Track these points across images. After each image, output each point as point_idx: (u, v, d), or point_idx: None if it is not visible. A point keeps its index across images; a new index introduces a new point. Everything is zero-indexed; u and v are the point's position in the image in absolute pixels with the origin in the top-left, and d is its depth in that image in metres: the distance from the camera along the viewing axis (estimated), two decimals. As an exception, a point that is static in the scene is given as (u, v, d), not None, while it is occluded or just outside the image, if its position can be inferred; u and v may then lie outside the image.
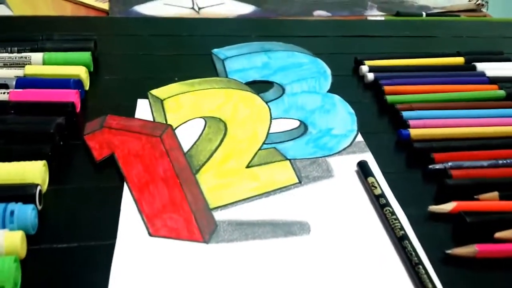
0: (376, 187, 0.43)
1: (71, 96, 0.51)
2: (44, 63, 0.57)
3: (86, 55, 0.58)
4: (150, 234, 0.39)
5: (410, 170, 0.48)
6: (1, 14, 0.73)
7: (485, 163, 0.46)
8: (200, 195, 0.42)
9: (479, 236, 0.39)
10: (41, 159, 0.42)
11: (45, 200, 0.41)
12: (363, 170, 0.45)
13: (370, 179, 0.44)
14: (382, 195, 0.42)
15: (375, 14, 0.83)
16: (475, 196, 0.43)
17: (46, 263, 0.36)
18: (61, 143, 0.46)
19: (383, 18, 0.81)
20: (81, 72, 0.55)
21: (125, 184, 0.43)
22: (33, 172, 0.41)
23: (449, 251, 0.38)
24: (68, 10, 0.78)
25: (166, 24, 0.73)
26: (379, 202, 0.42)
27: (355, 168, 0.47)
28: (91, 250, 0.37)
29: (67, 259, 0.37)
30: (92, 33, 0.64)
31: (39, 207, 0.40)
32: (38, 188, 0.40)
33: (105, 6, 0.79)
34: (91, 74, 0.58)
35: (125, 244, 0.38)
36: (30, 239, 0.37)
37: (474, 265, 0.38)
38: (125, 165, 0.45)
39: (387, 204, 0.41)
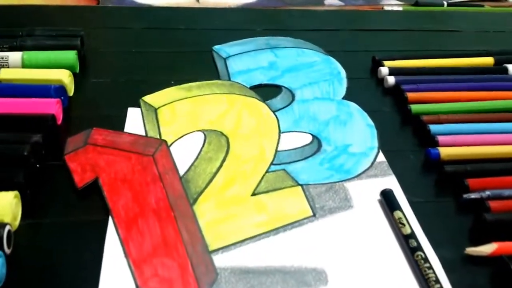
0: (404, 225, 0.36)
1: (51, 106, 0.44)
2: (24, 63, 0.50)
3: (71, 55, 0.52)
4: (137, 287, 0.33)
5: (441, 198, 0.41)
6: (-20, 3, 0.66)
7: (528, 192, 0.40)
8: (198, 233, 0.36)
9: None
10: (13, 189, 0.36)
11: (17, 238, 0.35)
12: (388, 201, 0.39)
13: (397, 214, 0.37)
14: (412, 235, 0.36)
15: (392, 4, 0.75)
16: (519, 234, 0.37)
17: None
18: (37, 166, 0.40)
19: (400, 8, 0.74)
20: (64, 77, 0.48)
21: (110, 218, 0.37)
22: (2, 207, 0.34)
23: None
24: (57, -2, 0.71)
25: (162, 15, 0.66)
26: (408, 245, 0.35)
27: (378, 196, 0.40)
28: (67, 308, 0.31)
29: (38, 319, 0.31)
30: (79, 28, 0.57)
31: (8, 251, 0.34)
32: (7, 228, 0.33)
33: (96, -7, 0.72)
34: (76, 76, 0.51)
35: (107, 301, 0.32)
36: (-4, 292, 0.31)
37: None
38: (110, 193, 0.38)
39: (419, 247, 0.35)
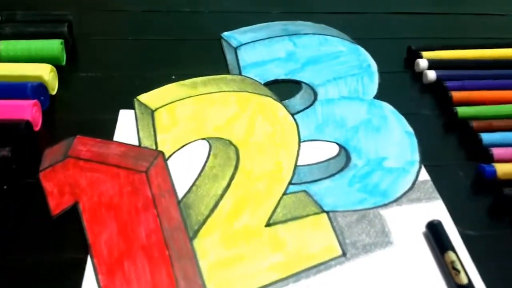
0: (459, 272, 0.29)
1: (26, 111, 0.37)
2: (1, 56, 0.43)
3: (56, 45, 0.44)
4: None
5: (499, 230, 0.34)
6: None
7: None
8: (198, 279, 0.29)
9: None
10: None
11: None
12: (437, 238, 0.31)
13: (450, 257, 0.30)
14: (470, 285, 0.28)
15: (425, -19, 0.66)
16: None
17: None
18: (5, 187, 0.33)
19: (436, -13, 0.65)
20: (45, 73, 0.41)
21: (89, 257, 0.30)
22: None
23: None
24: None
25: (164, -5, 0.58)
26: (465, 299, 0.28)
27: (423, 228, 0.33)
28: None
29: None
30: (67, 12, 0.49)
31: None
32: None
33: (93, -31, 0.64)
34: (62, 70, 0.44)
35: None
36: None
37: None
38: (92, 223, 0.31)
39: (479, 304, 0.27)
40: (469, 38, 0.54)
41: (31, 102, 0.38)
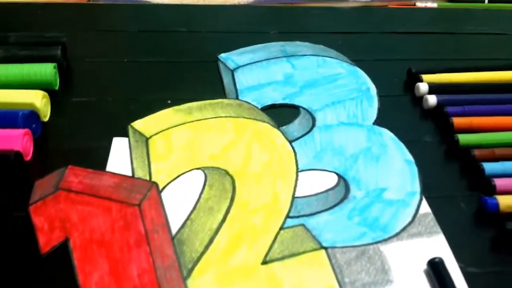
0: (462, 315, 0.28)
1: (17, 141, 0.36)
2: (-9, 80, 0.42)
3: (49, 69, 0.43)
4: None
5: (503, 266, 0.32)
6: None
7: None
8: (192, 323, 0.28)
9: None
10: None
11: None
12: (440, 278, 0.30)
13: (452, 299, 0.29)
14: (473, 331, 0.27)
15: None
16: None
17: None
18: (-8, 222, 0.32)
19: (435, 5, 0.65)
20: (37, 100, 0.40)
21: (79, 300, 0.29)
22: None
23: None
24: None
25: (162, 15, 0.57)
26: None
27: (424, 265, 0.32)
28: None
29: None
30: (61, 34, 0.48)
31: None
32: None
33: (89, -14, 0.63)
34: (55, 95, 0.43)
35: None
36: None
37: None
38: (82, 263, 0.30)
39: None
40: (471, 59, 0.53)
41: (22, 131, 0.37)
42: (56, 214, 0.33)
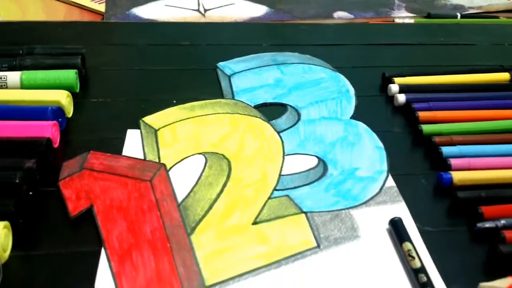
0: (414, 258, 0.34)
1: (47, 130, 0.43)
2: (22, 83, 0.49)
3: (71, 75, 0.50)
4: (128, 327, 0.31)
5: (453, 227, 0.39)
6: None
7: (548, 221, 0.38)
8: (195, 266, 0.34)
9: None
10: (3, 219, 0.34)
11: (6, 271, 0.33)
12: (397, 232, 0.37)
13: (406, 246, 0.35)
14: (422, 269, 0.34)
15: (403, 16, 0.73)
16: (538, 268, 0.34)
17: None
18: (30, 193, 0.38)
19: (412, 21, 0.72)
20: (62, 98, 0.47)
21: (103, 249, 0.35)
22: (-11, 240, 0.33)
23: None
24: (61, 11, 0.70)
25: (166, 31, 0.64)
26: (418, 279, 0.33)
27: (387, 225, 0.38)
28: None
29: None
30: (80, 46, 0.55)
31: (-6, 286, 0.32)
32: (-7, 262, 0.32)
33: (101, 7, 0.71)
34: (76, 96, 0.50)
35: None
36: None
37: None
38: (105, 222, 0.37)
39: (429, 283, 0.33)
40: (441, 66, 0.60)
41: (51, 122, 0.43)
42: (81, 188, 0.39)
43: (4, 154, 0.40)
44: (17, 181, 0.37)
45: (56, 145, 0.44)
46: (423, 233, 0.38)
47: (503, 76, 0.56)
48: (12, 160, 0.39)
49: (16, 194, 0.37)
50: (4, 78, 0.49)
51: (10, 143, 0.41)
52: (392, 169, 0.44)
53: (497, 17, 0.75)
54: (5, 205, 0.36)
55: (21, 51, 0.53)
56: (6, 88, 0.49)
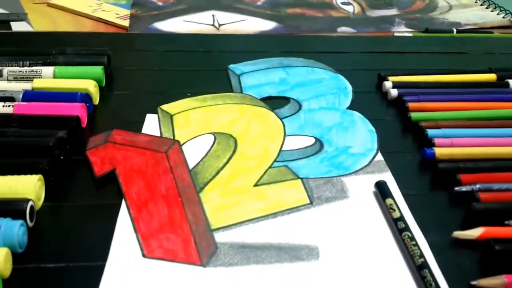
0: (394, 210, 0.39)
1: (77, 110, 0.49)
2: (55, 77, 0.55)
3: (98, 70, 0.57)
4: (144, 255, 0.36)
5: (434, 192, 0.44)
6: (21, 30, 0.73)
7: (518, 186, 0.42)
8: (202, 215, 0.40)
9: (509, 267, 0.35)
10: (38, 174, 0.40)
11: (39, 217, 0.39)
12: (381, 190, 0.41)
13: (388, 201, 0.40)
14: (401, 218, 0.38)
15: (402, 31, 0.79)
16: (506, 222, 0.39)
17: (30, 284, 0.34)
18: (62, 157, 0.44)
19: (411, 35, 0.78)
20: (90, 86, 0.53)
21: (123, 201, 0.40)
22: (27, 186, 0.39)
23: (474, 282, 0.34)
24: (88, 27, 0.77)
25: (184, 40, 0.71)
26: (397, 226, 0.38)
27: (373, 189, 0.43)
28: (79, 271, 0.35)
29: (53, 281, 0.34)
30: (106, 48, 0.62)
31: (30, 224, 0.37)
32: (30, 203, 0.37)
33: (126, 23, 0.78)
34: (102, 89, 0.56)
35: (115, 266, 0.35)
36: (17, 257, 0.35)
37: (503, 300, 0.34)
38: (125, 181, 0.42)
39: (406, 228, 0.37)
40: (434, 69, 0.65)
41: (80, 104, 0.50)
42: (105, 155, 0.45)
43: (41, 127, 0.46)
44: (50, 144, 0.43)
45: (84, 125, 0.50)
46: (405, 196, 0.42)
47: (490, 76, 0.61)
48: (47, 131, 0.45)
49: (49, 155, 0.42)
50: (38, 71, 0.55)
51: (45, 118, 0.47)
52: (382, 148, 0.48)
53: (492, 32, 0.81)
54: (39, 163, 0.41)
55: (54, 51, 0.60)
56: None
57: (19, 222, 0.35)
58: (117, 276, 0.34)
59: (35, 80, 0.53)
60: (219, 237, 0.38)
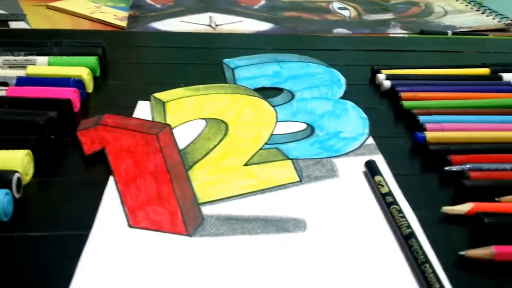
0: (383, 186, 0.39)
1: (69, 93, 0.49)
2: (49, 65, 0.56)
3: (92, 59, 0.57)
4: (129, 225, 0.36)
5: (424, 173, 0.43)
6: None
7: (507, 166, 0.42)
8: (190, 190, 0.39)
9: (498, 240, 0.35)
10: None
11: (27, 191, 0.39)
12: (370, 168, 0.41)
13: (377, 178, 0.40)
14: (389, 193, 0.38)
15: (397, 32, 0.80)
16: (497, 199, 0.38)
17: (15, 251, 0.34)
18: (52, 137, 0.44)
19: (406, 36, 0.78)
20: (83, 73, 0.53)
21: (111, 177, 0.40)
22: (14, 160, 0.38)
23: (463, 253, 0.34)
24: (86, 27, 0.78)
25: (180, 38, 0.72)
26: (385, 201, 0.38)
27: (363, 169, 0.43)
28: (63, 240, 0.34)
29: (37, 248, 0.34)
30: (102, 41, 0.62)
31: (17, 195, 0.37)
32: (16, 175, 0.37)
33: (123, 23, 0.79)
34: (96, 79, 0.57)
35: (100, 234, 0.35)
36: (3, 226, 0.35)
37: (492, 270, 0.34)
38: (114, 159, 0.42)
39: (394, 202, 0.37)
40: (428, 66, 0.65)
41: (73, 89, 0.50)
42: (96, 136, 0.45)
43: (33, 108, 0.46)
44: (40, 123, 0.43)
45: (76, 110, 0.50)
46: (396, 176, 0.42)
47: (484, 71, 0.61)
48: (39, 112, 0.45)
49: (39, 133, 0.42)
50: (33, 60, 0.56)
51: (38, 100, 0.47)
52: (374, 133, 0.48)
53: (487, 35, 0.81)
54: (29, 140, 0.41)
55: (49, 43, 0.60)
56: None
57: (4, 190, 0.35)
58: (101, 244, 0.34)
59: (29, 67, 0.54)
60: (206, 210, 0.37)
